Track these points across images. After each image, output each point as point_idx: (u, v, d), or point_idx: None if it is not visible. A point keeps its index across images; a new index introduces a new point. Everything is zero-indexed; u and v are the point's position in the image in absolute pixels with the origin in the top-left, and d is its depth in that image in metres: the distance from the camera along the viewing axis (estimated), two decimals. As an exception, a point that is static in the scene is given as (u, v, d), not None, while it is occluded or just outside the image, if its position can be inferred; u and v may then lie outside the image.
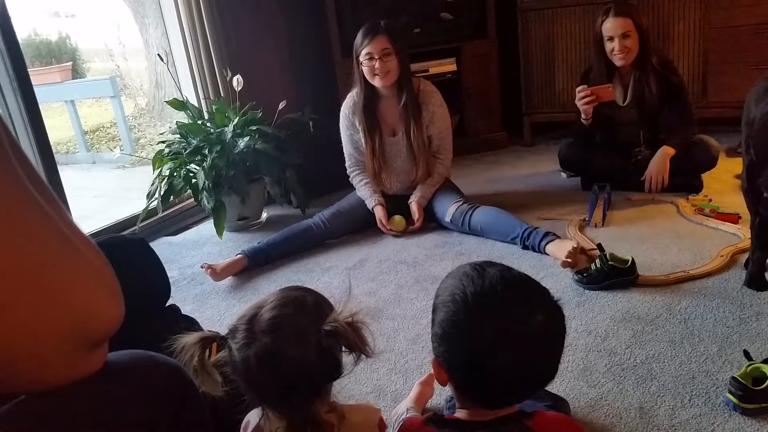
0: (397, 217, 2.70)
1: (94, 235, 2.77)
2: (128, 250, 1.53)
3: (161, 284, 1.57)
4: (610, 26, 2.72)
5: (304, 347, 0.96)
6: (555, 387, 1.53)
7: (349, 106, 2.77)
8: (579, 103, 2.78)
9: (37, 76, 3.05)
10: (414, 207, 2.72)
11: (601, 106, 2.78)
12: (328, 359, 0.98)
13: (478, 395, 0.96)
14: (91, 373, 0.65)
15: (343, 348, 1.01)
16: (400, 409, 1.45)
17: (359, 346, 1.00)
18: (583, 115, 2.83)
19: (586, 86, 2.77)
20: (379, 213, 2.72)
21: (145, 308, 1.45)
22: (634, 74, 2.78)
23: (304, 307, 1.02)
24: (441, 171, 2.79)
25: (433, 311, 0.97)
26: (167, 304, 1.59)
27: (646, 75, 2.75)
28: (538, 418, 0.96)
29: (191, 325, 1.55)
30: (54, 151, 2.71)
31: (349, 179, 2.86)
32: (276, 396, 0.98)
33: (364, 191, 2.78)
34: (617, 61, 2.74)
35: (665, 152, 2.74)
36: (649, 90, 2.74)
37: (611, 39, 2.72)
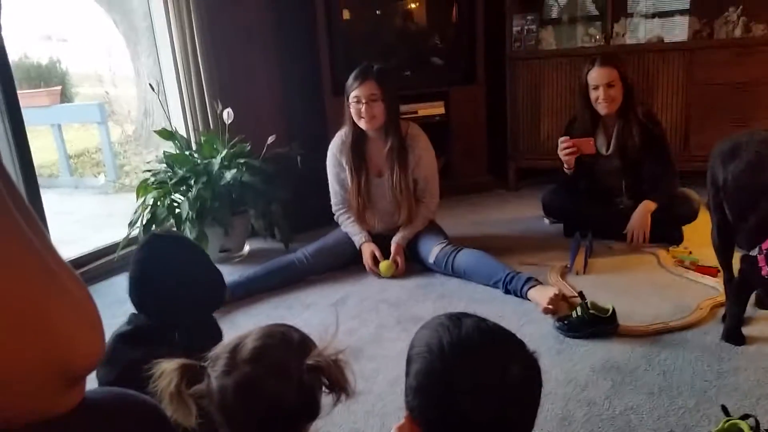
0: (385, 263, 2.67)
1: (74, 262, 2.73)
2: (193, 246, 1.63)
3: (218, 289, 1.61)
4: (595, 75, 2.78)
5: (284, 381, 0.94)
6: (533, 436, 1.52)
7: (337, 144, 2.79)
8: (561, 154, 2.83)
9: (25, 98, 3.04)
10: (393, 247, 2.72)
11: (584, 155, 2.83)
12: (307, 396, 0.96)
13: None
14: (67, 410, 0.63)
15: (324, 388, 0.99)
16: None
17: (341, 384, 0.98)
18: (565, 165, 2.87)
19: (568, 138, 2.82)
20: (367, 251, 2.71)
21: (203, 310, 1.52)
22: (618, 123, 2.83)
23: (290, 341, 1.01)
24: (425, 214, 2.81)
25: (408, 363, 0.94)
26: None
27: (630, 125, 2.79)
28: None
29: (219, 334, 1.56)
30: (37, 174, 2.69)
31: (335, 217, 2.86)
32: (250, 430, 0.96)
33: (350, 228, 2.78)
34: (601, 109, 2.80)
35: (647, 207, 2.78)
36: (632, 140, 2.79)
37: (596, 88, 2.78)
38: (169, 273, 1.43)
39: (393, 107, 2.69)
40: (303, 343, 1.01)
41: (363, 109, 2.62)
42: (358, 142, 2.74)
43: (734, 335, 1.93)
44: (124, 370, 1.25)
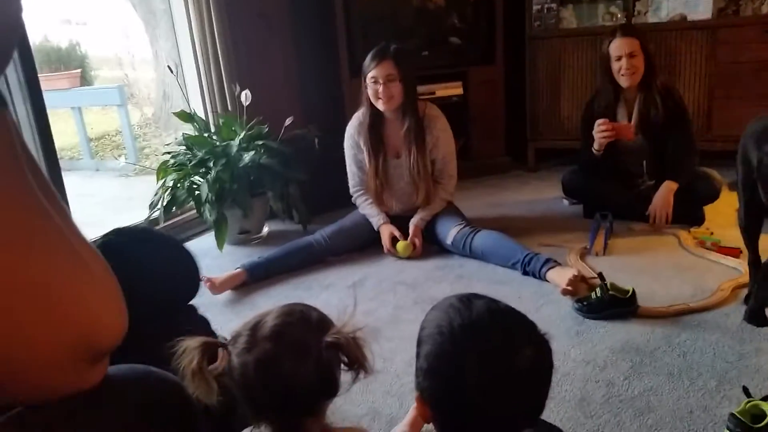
0: (403, 243, 2.67)
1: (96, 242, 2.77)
2: (162, 241, 1.55)
3: (192, 278, 1.55)
4: (617, 45, 2.74)
5: (304, 358, 0.95)
6: (552, 417, 1.52)
7: (354, 126, 2.79)
8: (597, 135, 2.77)
9: (45, 82, 3.06)
10: (411, 228, 2.72)
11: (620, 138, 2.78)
12: (326, 374, 0.97)
13: None
14: (91, 387, 0.64)
15: (342, 366, 1.00)
16: None
17: (360, 361, 0.99)
18: (596, 146, 2.81)
19: (607, 120, 2.76)
20: (386, 232, 2.71)
21: (171, 304, 1.45)
22: (639, 96, 2.79)
23: (309, 319, 1.02)
24: (443, 196, 2.80)
25: (418, 344, 0.95)
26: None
27: (652, 97, 2.76)
28: None
29: (205, 326, 1.55)
30: (59, 157, 2.72)
31: (353, 199, 2.86)
32: (270, 407, 0.97)
33: (369, 210, 2.79)
34: (624, 81, 2.76)
35: (669, 187, 2.75)
36: (654, 111, 2.75)
37: (618, 59, 2.74)
38: (127, 271, 1.38)
39: (411, 87, 2.67)
40: (322, 321, 1.02)
41: (380, 90, 2.61)
42: (376, 123, 2.74)
43: (757, 316, 1.90)
44: None
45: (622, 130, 2.75)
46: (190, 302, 1.60)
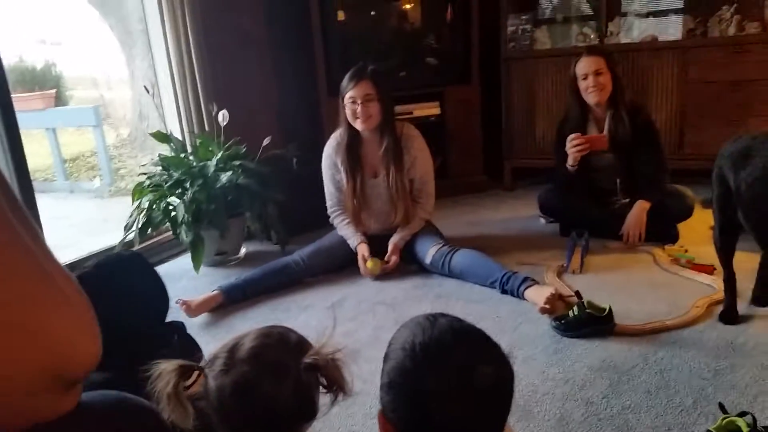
0: (373, 260, 2.66)
1: (70, 266, 2.72)
2: (125, 266, 1.51)
3: (159, 298, 1.54)
4: (583, 65, 2.80)
5: (281, 380, 0.95)
6: (531, 436, 1.52)
7: (332, 146, 2.79)
8: (571, 150, 2.81)
9: (19, 102, 3.03)
10: (391, 247, 2.72)
11: (594, 150, 2.83)
12: (305, 396, 0.96)
13: None
14: (63, 413, 0.62)
15: (321, 388, 0.99)
16: None
17: (339, 382, 0.98)
18: (570, 161, 2.85)
19: (580, 134, 2.80)
20: (363, 251, 2.71)
21: (144, 323, 1.41)
22: (609, 112, 2.84)
23: (287, 341, 1.01)
24: (422, 215, 2.81)
25: (384, 360, 0.95)
26: (169, 321, 1.56)
27: (620, 114, 2.80)
28: None
29: (190, 344, 1.52)
30: (32, 178, 2.68)
31: (330, 219, 2.86)
32: (247, 431, 0.96)
33: (345, 230, 2.78)
34: (591, 98, 2.81)
35: (641, 206, 2.78)
36: (623, 128, 2.79)
37: (585, 77, 2.79)
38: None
39: (388, 107, 2.69)
40: (300, 343, 1.01)
41: (359, 110, 2.62)
42: (354, 143, 2.74)
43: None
44: None
45: (596, 142, 2.79)
46: (177, 321, 1.58)
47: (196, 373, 0.98)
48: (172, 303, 2.50)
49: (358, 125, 2.67)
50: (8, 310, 0.54)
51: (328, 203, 2.86)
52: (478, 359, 0.89)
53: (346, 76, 2.66)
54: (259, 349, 0.97)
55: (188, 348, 1.54)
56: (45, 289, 0.59)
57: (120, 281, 1.45)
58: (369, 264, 2.65)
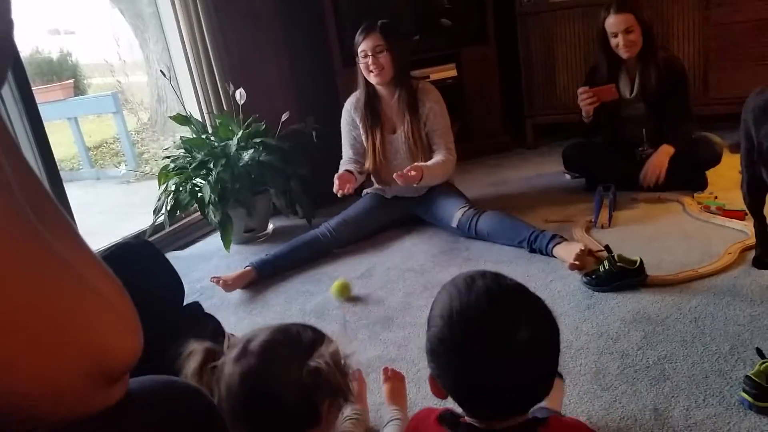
0: (338, 283, 2.28)
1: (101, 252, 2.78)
2: (136, 256, 1.53)
3: (174, 284, 1.57)
4: (612, 23, 2.74)
5: (284, 378, 0.97)
6: (569, 391, 1.53)
7: (351, 102, 2.84)
8: (582, 104, 2.81)
9: (40, 94, 3.06)
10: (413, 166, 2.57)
11: (608, 101, 2.80)
12: (306, 398, 0.98)
13: (477, 410, 0.95)
14: (111, 404, 0.64)
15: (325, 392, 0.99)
16: (385, 419, 1.43)
17: (340, 389, 0.99)
18: (584, 114, 2.84)
19: (587, 88, 2.79)
20: (341, 172, 2.71)
21: (160, 310, 1.44)
22: (639, 66, 2.80)
23: (299, 341, 1.02)
24: (444, 159, 2.69)
25: (427, 324, 0.97)
26: (187, 303, 1.60)
27: (651, 66, 2.76)
28: (552, 424, 0.95)
29: (212, 323, 1.55)
30: (58, 168, 2.72)
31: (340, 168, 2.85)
32: (248, 427, 0.98)
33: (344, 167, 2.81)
34: (623, 54, 2.77)
35: (664, 150, 2.75)
36: (655, 79, 2.76)
37: (615, 35, 2.74)
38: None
39: (400, 58, 2.68)
40: (313, 345, 1.02)
41: (371, 62, 2.63)
42: (372, 101, 2.77)
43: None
44: None
45: (604, 93, 2.77)
46: (193, 302, 1.61)
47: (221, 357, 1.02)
48: (202, 283, 2.56)
49: (372, 79, 2.68)
50: (35, 314, 0.54)
51: (343, 159, 2.88)
52: (515, 323, 0.90)
53: (357, 33, 2.69)
54: (269, 344, 0.99)
55: (210, 324, 1.57)
56: (73, 288, 0.58)
57: (130, 271, 1.49)
58: (334, 288, 2.28)
